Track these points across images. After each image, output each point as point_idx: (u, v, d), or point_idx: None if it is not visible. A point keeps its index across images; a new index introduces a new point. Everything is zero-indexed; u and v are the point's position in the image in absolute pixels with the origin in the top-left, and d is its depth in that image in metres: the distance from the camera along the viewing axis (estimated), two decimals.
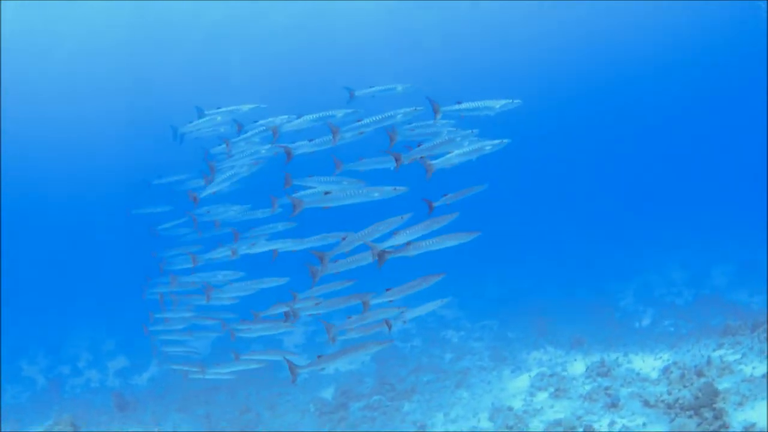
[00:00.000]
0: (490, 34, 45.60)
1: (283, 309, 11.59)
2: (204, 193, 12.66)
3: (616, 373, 15.18)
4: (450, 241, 9.34)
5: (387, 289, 9.92)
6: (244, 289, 13.09)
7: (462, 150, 10.05)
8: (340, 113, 10.77)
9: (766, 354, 13.73)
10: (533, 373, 16.89)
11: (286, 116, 11.59)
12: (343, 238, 9.65)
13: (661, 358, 16.23)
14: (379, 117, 10.35)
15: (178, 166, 16.18)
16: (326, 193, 9.71)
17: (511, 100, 10.25)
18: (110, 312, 36.96)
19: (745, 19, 40.74)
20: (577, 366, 16.88)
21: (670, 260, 31.29)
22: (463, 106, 10.21)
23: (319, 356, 9.91)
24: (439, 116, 10.20)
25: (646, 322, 22.95)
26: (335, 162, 10.25)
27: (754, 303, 22.69)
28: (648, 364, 15.85)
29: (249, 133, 12.30)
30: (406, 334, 25.31)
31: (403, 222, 9.33)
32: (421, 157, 9.96)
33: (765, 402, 11.78)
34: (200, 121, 13.45)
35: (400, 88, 11.23)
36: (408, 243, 9.35)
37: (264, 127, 11.99)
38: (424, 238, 9.42)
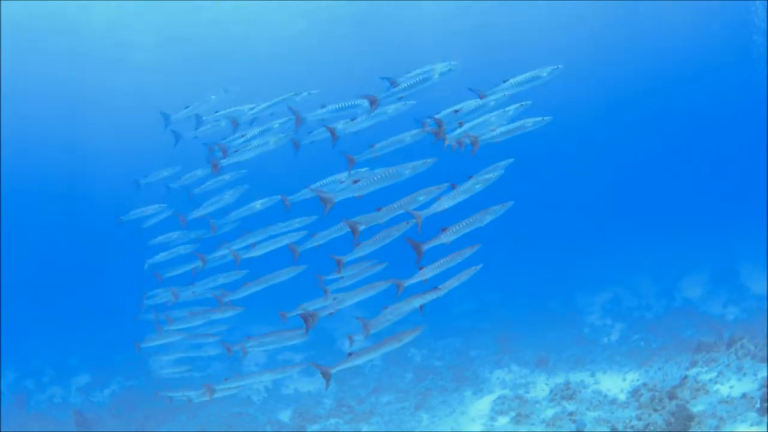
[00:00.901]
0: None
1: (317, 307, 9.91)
2: (228, 161, 11.18)
3: (582, 395, 14.21)
4: (486, 217, 8.87)
5: (420, 268, 8.89)
6: (257, 286, 11.16)
7: (505, 128, 9.64)
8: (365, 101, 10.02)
9: (744, 372, 12.80)
10: (495, 396, 16.03)
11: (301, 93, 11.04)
12: (379, 209, 8.96)
13: (630, 378, 15.30)
14: (416, 78, 9.64)
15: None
16: (355, 181, 9.09)
17: (556, 66, 9.62)
18: (76, 324, 36.29)
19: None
20: (541, 388, 16.04)
21: (640, 272, 30.69)
22: (510, 82, 9.58)
23: (349, 354, 8.95)
24: (483, 100, 9.63)
25: (614, 337, 22.17)
26: (348, 159, 9.63)
27: (728, 314, 22.15)
28: (616, 385, 14.98)
29: (264, 105, 11.44)
30: None
31: (441, 191, 8.86)
32: (459, 124, 9.58)
33: (745, 425, 10.78)
34: (195, 105, 12.61)
35: (438, 67, 10.06)
36: (443, 229, 8.80)
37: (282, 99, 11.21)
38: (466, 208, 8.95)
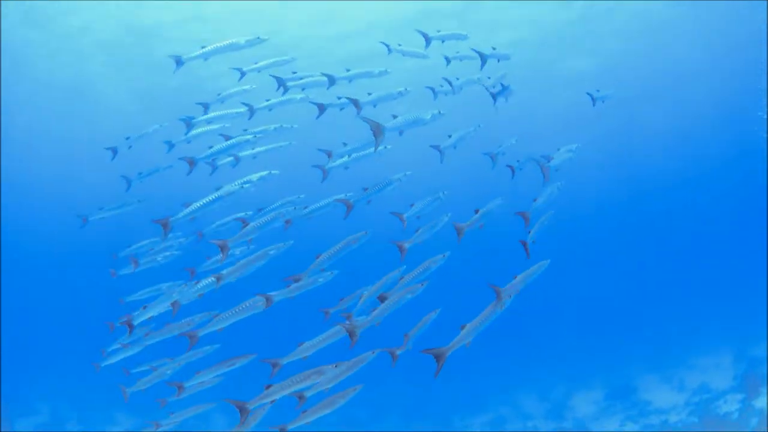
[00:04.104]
0: None
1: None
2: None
3: None
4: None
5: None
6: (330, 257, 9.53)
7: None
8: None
9: None
10: None
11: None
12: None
13: None
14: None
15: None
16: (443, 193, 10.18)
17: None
18: None
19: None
20: None
21: (526, 389, 28.73)
22: (601, 93, 12.39)
23: (462, 325, 8.36)
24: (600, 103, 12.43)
25: None
26: (353, 103, 9.96)
27: None
28: None
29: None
30: None
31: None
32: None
33: None
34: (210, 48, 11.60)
35: None
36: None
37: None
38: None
